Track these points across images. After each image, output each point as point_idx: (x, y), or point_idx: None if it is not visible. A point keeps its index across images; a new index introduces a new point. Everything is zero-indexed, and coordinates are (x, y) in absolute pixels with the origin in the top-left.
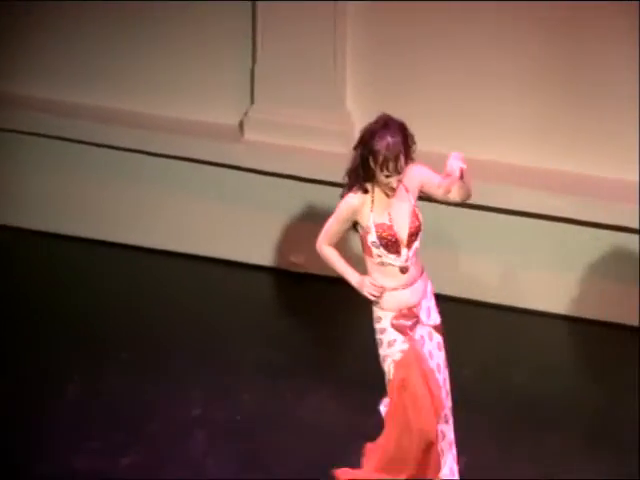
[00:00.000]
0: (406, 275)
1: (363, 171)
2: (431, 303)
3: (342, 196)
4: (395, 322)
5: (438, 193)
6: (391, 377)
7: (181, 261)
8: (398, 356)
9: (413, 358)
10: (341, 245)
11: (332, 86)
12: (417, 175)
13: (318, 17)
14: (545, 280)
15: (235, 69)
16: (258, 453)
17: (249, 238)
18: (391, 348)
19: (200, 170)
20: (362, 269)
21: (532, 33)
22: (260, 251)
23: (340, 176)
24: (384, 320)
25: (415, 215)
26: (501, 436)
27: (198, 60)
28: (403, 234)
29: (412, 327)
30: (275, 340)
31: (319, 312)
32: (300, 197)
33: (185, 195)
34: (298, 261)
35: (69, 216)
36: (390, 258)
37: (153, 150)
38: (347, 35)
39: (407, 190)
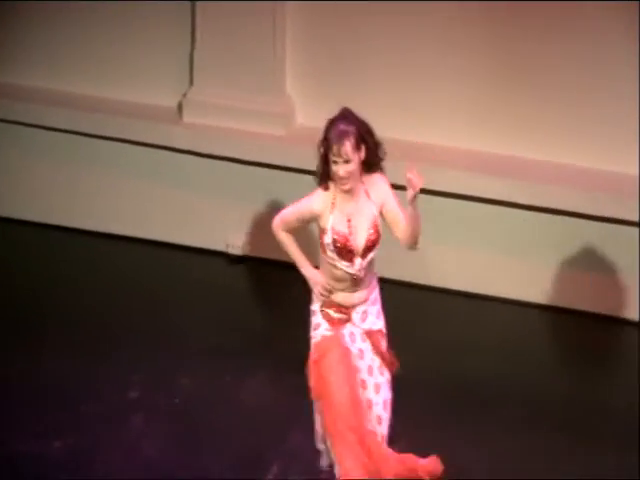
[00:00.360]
0: (359, 280)
1: (321, 164)
2: (371, 309)
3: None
4: (324, 309)
5: (395, 232)
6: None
7: (119, 243)
8: (318, 339)
9: (332, 343)
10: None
11: (271, 68)
12: (383, 190)
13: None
14: (501, 267)
15: (174, 51)
16: (195, 435)
17: (188, 221)
18: (315, 331)
19: (138, 152)
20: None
21: (470, 21)
22: (198, 233)
23: (279, 158)
24: (316, 304)
25: (375, 227)
26: (445, 419)
27: (137, 42)
28: (359, 244)
29: (340, 322)
30: (215, 323)
31: (257, 294)
32: (239, 180)
33: (123, 177)
34: (237, 243)
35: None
36: (343, 264)
37: (91, 132)
38: (286, 16)
39: (369, 197)
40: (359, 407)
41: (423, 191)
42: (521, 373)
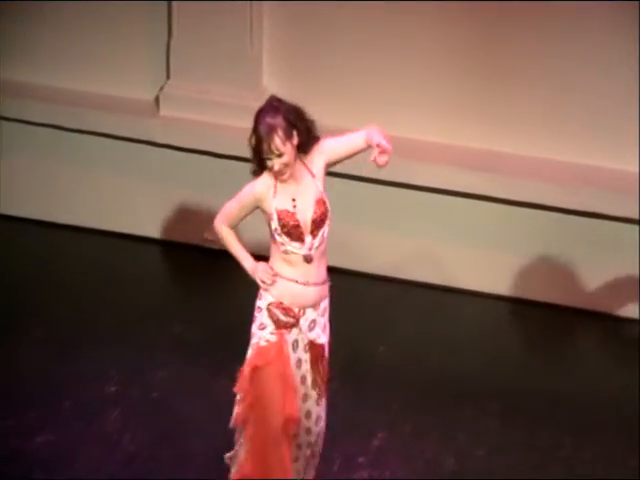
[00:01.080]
0: (310, 267)
1: (254, 156)
2: (319, 318)
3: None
4: (272, 309)
5: (359, 146)
6: (247, 358)
7: (96, 237)
8: (262, 343)
9: (275, 353)
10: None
11: (248, 62)
12: (320, 156)
13: None
14: (469, 259)
15: (151, 44)
16: (173, 430)
17: (164, 214)
18: (260, 332)
19: (115, 146)
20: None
21: (447, 17)
22: (175, 227)
23: None
24: (264, 301)
25: (321, 202)
26: (417, 412)
27: (113, 35)
28: (307, 221)
29: (287, 326)
30: (191, 317)
31: (234, 288)
32: (216, 173)
33: (100, 171)
34: (213, 237)
35: None
36: (294, 246)
37: (68, 125)
38: (263, 11)
39: (313, 175)
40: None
41: (400, 185)
42: (496, 368)
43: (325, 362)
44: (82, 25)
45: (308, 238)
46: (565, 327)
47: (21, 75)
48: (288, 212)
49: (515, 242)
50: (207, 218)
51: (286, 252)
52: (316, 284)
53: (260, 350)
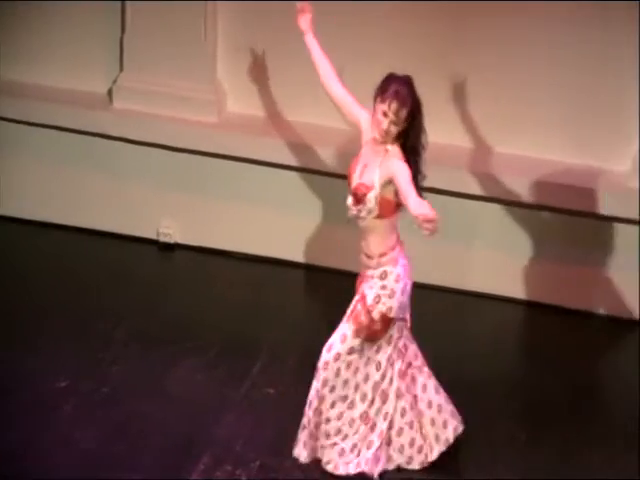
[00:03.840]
0: (364, 242)
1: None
2: (370, 282)
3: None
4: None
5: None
6: None
7: (50, 231)
8: None
9: None
10: None
11: (202, 55)
12: (393, 168)
13: None
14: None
15: (104, 37)
16: (126, 424)
17: (118, 208)
18: None
19: (68, 138)
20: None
21: (404, 15)
22: (130, 221)
23: (210, 145)
24: None
25: (365, 187)
26: None
27: (66, 27)
28: (352, 184)
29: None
30: (145, 311)
31: (188, 282)
32: (170, 166)
33: (53, 164)
34: (168, 231)
35: None
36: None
37: (21, 118)
38: (218, 3)
39: (380, 165)
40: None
41: None
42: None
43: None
44: (35, 19)
45: (350, 198)
46: (555, 327)
47: None
48: (355, 167)
49: (522, 244)
50: (162, 211)
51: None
52: (361, 252)
53: None
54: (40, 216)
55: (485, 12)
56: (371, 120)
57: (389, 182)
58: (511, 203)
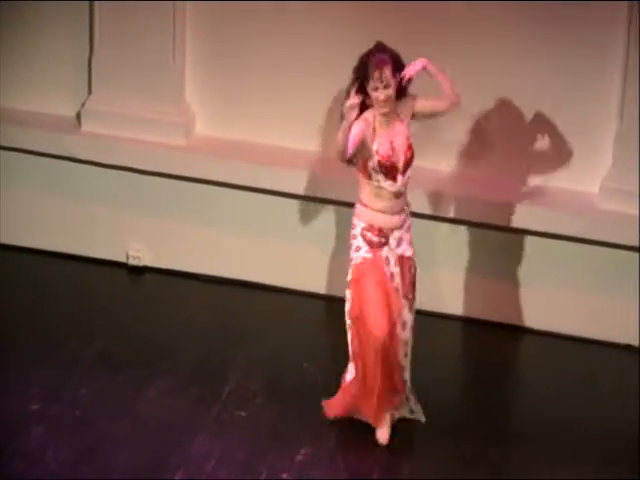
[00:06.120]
0: (397, 201)
1: (353, 91)
2: (405, 235)
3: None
4: (364, 232)
5: (440, 106)
6: (349, 277)
7: (18, 254)
8: (359, 260)
9: (372, 265)
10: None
11: (171, 78)
12: (409, 106)
13: (157, 9)
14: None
15: (72, 60)
16: (97, 446)
17: (87, 231)
18: (355, 253)
19: (36, 162)
20: None
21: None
22: (99, 244)
23: (179, 168)
24: (357, 228)
25: (409, 146)
26: (341, 426)
27: (34, 50)
28: (399, 163)
29: (379, 244)
30: (115, 334)
31: (158, 305)
32: (139, 190)
33: (20, 187)
34: (137, 254)
35: None
36: (387, 184)
37: None
38: (186, 25)
39: (402, 122)
40: (392, 329)
41: (346, 204)
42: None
43: (413, 271)
44: (2, 42)
45: (399, 177)
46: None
47: None
48: (388, 155)
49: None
50: (130, 235)
51: (379, 187)
52: (399, 212)
53: (357, 267)
54: (7, 239)
55: (448, 28)
56: (369, 102)
57: (414, 117)
58: (475, 225)
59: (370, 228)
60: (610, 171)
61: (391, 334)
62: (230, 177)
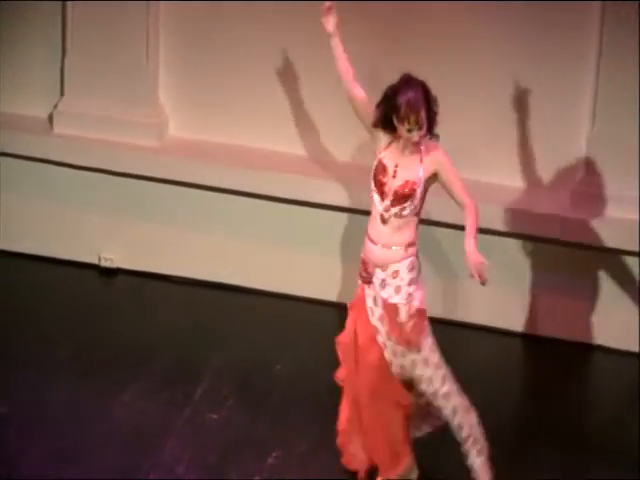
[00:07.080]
0: (384, 229)
1: (384, 125)
2: (389, 279)
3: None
4: (360, 263)
5: (455, 200)
6: None
7: None
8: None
9: (355, 301)
10: None
11: (144, 79)
12: (437, 161)
13: (130, 10)
14: None
15: (45, 61)
16: (68, 449)
17: (59, 233)
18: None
19: (8, 164)
20: None
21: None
22: (71, 246)
23: (152, 170)
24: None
25: (412, 184)
26: (312, 430)
27: (6, 52)
28: (392, 188)
29: (365, 280)
30: (87, 337)
31: (130, 307)
32: (112, 191)
33: None
34: (110, 256)
35: None
36: (376, 199)
37: None
38: (160, 26)
39: (421, 162)
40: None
41: (316, 206)
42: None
43: (403, 322)
44: None
45: (387, 201)
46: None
47: None
48: (386, 169)
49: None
50: (103, 236)
51: (372, 202)
52: (384, 246)
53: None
54: None
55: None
56: (397, 137)
57: (433, 176)
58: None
59: (361, 260)
60: None
61: (352, 378)
62: (203, 179)
